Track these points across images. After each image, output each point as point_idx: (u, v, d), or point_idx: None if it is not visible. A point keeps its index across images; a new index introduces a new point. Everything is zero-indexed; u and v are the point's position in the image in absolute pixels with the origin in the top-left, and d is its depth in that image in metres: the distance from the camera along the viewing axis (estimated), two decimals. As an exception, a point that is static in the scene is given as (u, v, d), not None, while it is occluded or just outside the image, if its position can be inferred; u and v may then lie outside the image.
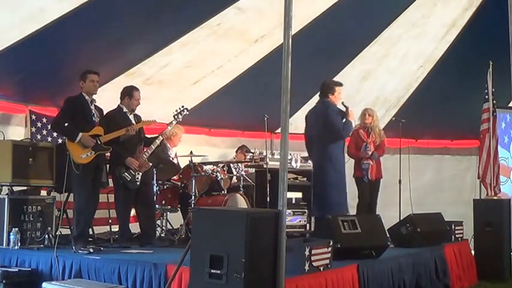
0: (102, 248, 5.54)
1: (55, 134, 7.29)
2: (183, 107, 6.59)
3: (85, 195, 5.69)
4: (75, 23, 6.13)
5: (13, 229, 5.58)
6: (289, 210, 6.75)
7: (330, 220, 5.33)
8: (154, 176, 6.77)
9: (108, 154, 6.11)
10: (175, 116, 6.52)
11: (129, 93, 6.31)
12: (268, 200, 6.76)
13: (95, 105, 5.94)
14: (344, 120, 6.70)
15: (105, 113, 6.17)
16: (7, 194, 5.76)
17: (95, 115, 5.90)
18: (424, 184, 9.77)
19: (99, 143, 5.75)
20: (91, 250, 5.27)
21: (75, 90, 5.99)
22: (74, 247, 5.36)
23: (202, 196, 7.01)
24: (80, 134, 5.67)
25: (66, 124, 5.78)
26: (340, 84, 6.90)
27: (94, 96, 5.96)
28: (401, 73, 9.15)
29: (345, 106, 6.74)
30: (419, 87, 9.38)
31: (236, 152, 8.66)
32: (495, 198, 7.63)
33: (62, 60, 6.74)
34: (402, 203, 7.64)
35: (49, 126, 7.26)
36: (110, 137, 5.89)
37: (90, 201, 5.75)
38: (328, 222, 5.34)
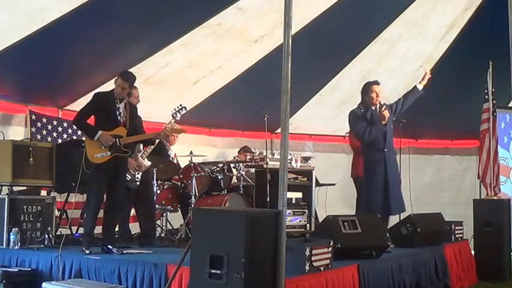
0: (104, 248, 5.50)
1: (55, 134, 7.31)
2: (181, 105, 6.55)
3: (97, 196, 5.53)
4: (75, 23, 6.12)
5: (13, 229, 5.58)
6: (289, 210, 6.75)
7: (330, 220, 5.33)
8: (154, 176, 6.78)
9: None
10: (174, 115, 6.49)
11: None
12: (268, 200, 6.76)
13: (125, 103, 5.66)
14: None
15: None
16: (7, 194, 5.76)
17: (122, 114, 5.63)
18: (424, 184, 9.76)
19: (118, 144, 5.52)
20: (87, 251, 5.25)
21: (75, 90, 5.99)
22: (83, 247, 5.34)
23: (202, 196, 7.02)
24: (100, 132, 5.45)
25: (88, 121, 5.63)
26: (376, 83, 6.56)
27: None
28: (401, 73, 9.15)
29: (378, 107, 6.46)
30: (419, 87, 9.37)
31: (238, 152, 8.66)
32: (495, 198, 7.63)
33: (62, 60, 6.73)
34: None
35: (49, 127, 7.30)
36: (132, 139, 5.68)
37: (98, 203, 5.56)
38: (329, 222, 5.34)
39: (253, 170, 7.48)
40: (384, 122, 6.42)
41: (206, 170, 7.16)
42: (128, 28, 6.70)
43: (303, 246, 4.39)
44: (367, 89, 6.53)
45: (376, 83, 6.57)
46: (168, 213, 7.25)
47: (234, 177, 7.67)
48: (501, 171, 8.22)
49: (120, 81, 5.60)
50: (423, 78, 6.83)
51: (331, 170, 8.92)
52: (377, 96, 6.48)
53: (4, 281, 4.97)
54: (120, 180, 5.67)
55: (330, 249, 4.64)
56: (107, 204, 5.66)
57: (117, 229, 6.34)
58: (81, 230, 6.05)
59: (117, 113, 5.61)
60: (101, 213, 5.64)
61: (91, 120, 5.70)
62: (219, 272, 3.54)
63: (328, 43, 7.98)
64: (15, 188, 5.98)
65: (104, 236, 5.64)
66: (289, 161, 5.87)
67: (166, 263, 4.50)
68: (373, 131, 6.40)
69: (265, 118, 7.05)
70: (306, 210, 7.12)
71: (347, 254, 5.00)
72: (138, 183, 6.23)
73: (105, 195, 5.64)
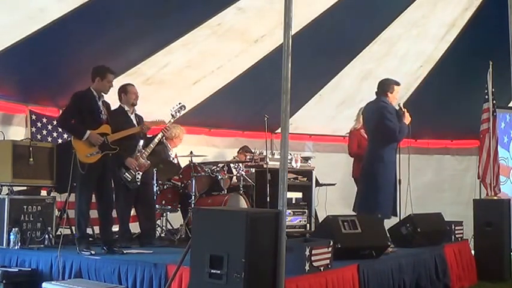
0: (104, 248, 5.50)
1: (55, 134, 7.30)
2: (180, 103, 6.56)
3: (87, 196, 5.55)
4: (75, 23, 6.13)
5: (13, 229, 5.58)
6: (289, 210, 6.76)
7: (330, 220, 5.33)
8: (155, 176, 6.79)
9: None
10: (174, 114, 6.50)
11: (124, 90, 6.32)
12: (268, 200, 6.76)
13: (102, 101, 5.73)
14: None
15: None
16: (7, 194, 5.76)
17: (103, 112, 5.68)
18: (424, 184, 9.76)
19: (106, 142, 5.56)
20: (92, 252, 5.24)
21: (75, 90, 5.96)
22: (77, 248, 5.34)
23: (202, 196, 7.02)
24: (88, 131, 5.46)
25: (72, 121, 5.63)
26: (398, 84, 6.34)
27: None
28: (401, 73, 9.13)
29: (401, 108, 6.28)
30: (419, 87, 9.39)
31: (238, 152, 8.66)
32: (495, 198, 7.63)
33: (62, 60, 6.73)
34: (402, 203, 7.63)
35: (49, 127, 7.28)
36: (118, 136, 5.73)
37: (89, 203, 5.59)
38: (329, 222, 5.34)
39: (253, 170, 7.48)
40: (407, 123, 6.20)
41: (206, 170, 7.16)
42: (128, 28, 6.70)
43: (303, 246, 4.39)
44: (393, 88, 6.23)
45: (397, 83, 6.31)
46: (168, 213, 7.25)
47: (234, 177, 7.67)
48: (501, 171, 8.23)
49: (110, 76, 5.70)
50: None
51: (331, 170, 8.93)
52: (396, 98, 6.29)
53: (4, 281, 4.97)
54: (108, 177, 5.70)
55: (330, 249, 4.64)
56: (101, 203, 5.66)
57: (117, 229, 6.36)
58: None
59: (99, 111, 5.65)
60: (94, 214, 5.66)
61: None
62: (219, 272, 3.54)
63: (328, 43, 7.98)
64: (15, 188, 5.97)
65: (103, 236, 5.64)
66: (289, 161, 5.87)
67: (166, 263, 4.50)
68: (404, 131, 6.21)
69: (265, 118, 7.05)
70: (306, 210, 7.13)
71: (347, 254, 5.00)
72: (138, 183, 6.23)
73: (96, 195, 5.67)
